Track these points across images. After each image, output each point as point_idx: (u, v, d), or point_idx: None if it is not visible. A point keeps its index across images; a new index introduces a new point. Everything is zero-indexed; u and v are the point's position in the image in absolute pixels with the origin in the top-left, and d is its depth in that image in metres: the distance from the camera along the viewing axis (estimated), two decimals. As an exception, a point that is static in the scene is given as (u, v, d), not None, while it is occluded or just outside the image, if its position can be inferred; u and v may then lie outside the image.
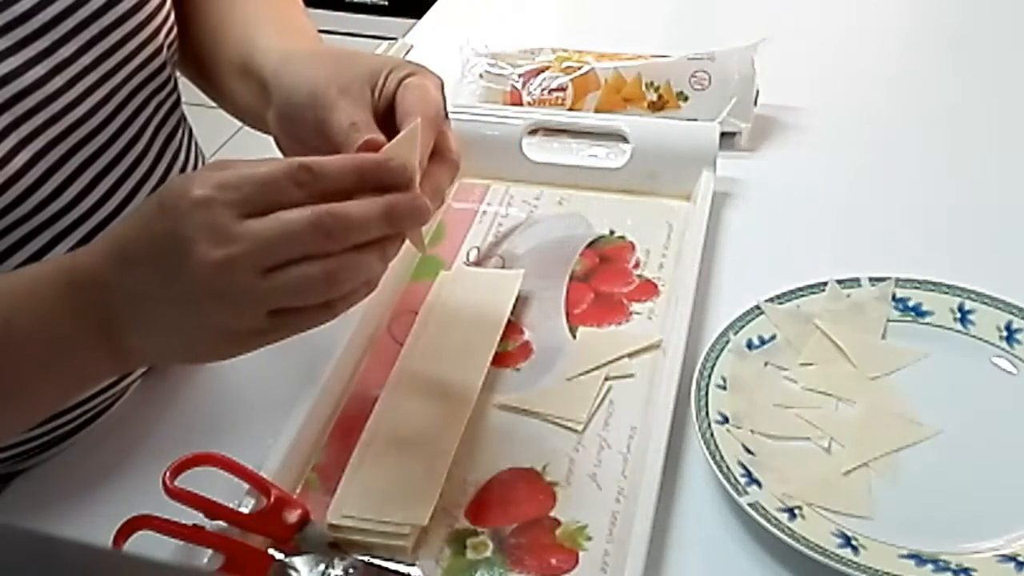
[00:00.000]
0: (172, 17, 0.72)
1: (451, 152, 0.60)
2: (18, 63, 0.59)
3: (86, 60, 0.63)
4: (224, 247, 0.50)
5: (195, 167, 0.77)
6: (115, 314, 0.53)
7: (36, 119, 0.61)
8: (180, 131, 0.75)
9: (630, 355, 0.71)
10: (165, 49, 0.70)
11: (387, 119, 0.59)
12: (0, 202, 0.60)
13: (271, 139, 0.68)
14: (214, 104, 0.78)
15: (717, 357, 0.68)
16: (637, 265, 0.79)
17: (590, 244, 0.82)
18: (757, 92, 0.92)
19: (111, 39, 0.65)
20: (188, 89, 0.78)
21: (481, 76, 0.96)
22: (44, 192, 0.62)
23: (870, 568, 0.56)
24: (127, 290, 0.53)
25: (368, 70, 0.61)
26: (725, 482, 0.60)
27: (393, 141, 0.56)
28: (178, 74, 0.76)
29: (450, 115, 0.61)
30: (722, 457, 0.62)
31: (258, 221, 0.50)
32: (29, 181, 0.61)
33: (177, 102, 0.74)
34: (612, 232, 0.83)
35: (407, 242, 0.57)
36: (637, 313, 0.75)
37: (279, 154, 0.67)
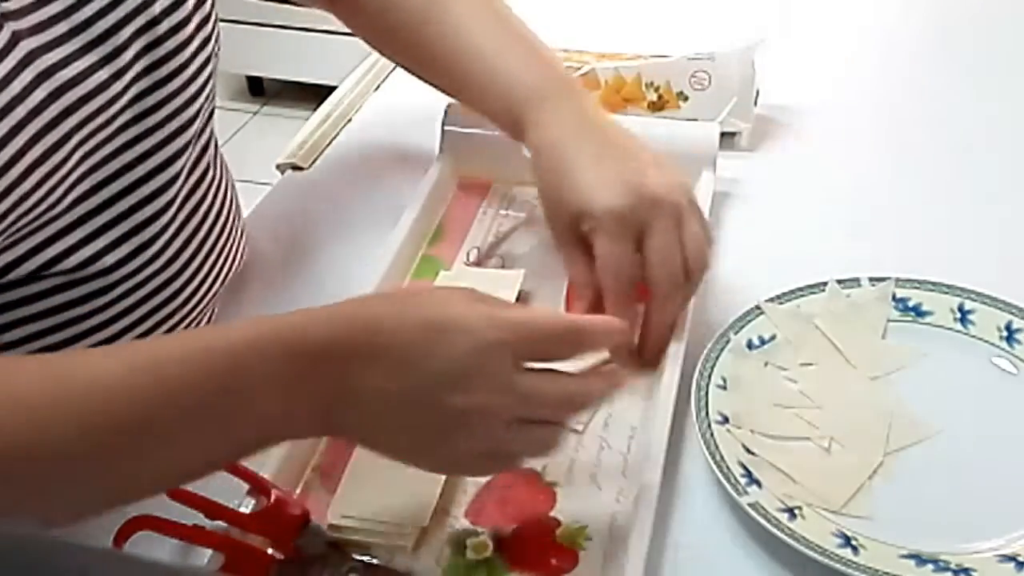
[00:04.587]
0: (218, 28, 0.71)
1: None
2: (83, 67, 0.59)
3: (138, 67, 0.63)
4: (499, 396, 0.53)
5: (221, 178, 0.76)
6: (343, 399, 0.52)
7: (95, 122, 0.60)
8: (212, 141, 0.75)
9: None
10: (213, 57, 0.70)
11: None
12: (57, 204, 0.60)
13: (270, 137, 0.68)
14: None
15: (717, 357, 0.68)
16: (637, 265, 0.79)
17: (590, 244, 0.82)
18: (757, 92, 0.92)
19: (166, 47, 0.65)
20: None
21: (481, 76, 0.96)
22: (83, 188, 0.62)
23: (870, 568, 0.56)
24: (369, 384, 0.52)
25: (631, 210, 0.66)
26: (725, 482, 0.60)
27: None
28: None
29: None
30: (722, 457, 0.62)
31: (532, 378, 0.54)
32: (80, 183, 0.61)
33: (213, 110, 0.74)
34: (612, 232, 0.83)
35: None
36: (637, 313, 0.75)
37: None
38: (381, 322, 0.53)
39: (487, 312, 0.54)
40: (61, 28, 0.58)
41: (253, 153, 0.85)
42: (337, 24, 0.83)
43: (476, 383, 0.52)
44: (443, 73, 0.79)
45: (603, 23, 1.14)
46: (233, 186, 0.80)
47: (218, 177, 0.76)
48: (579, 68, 0.94)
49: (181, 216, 0.69)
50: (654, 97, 0.93)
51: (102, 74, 0.60)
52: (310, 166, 0.94)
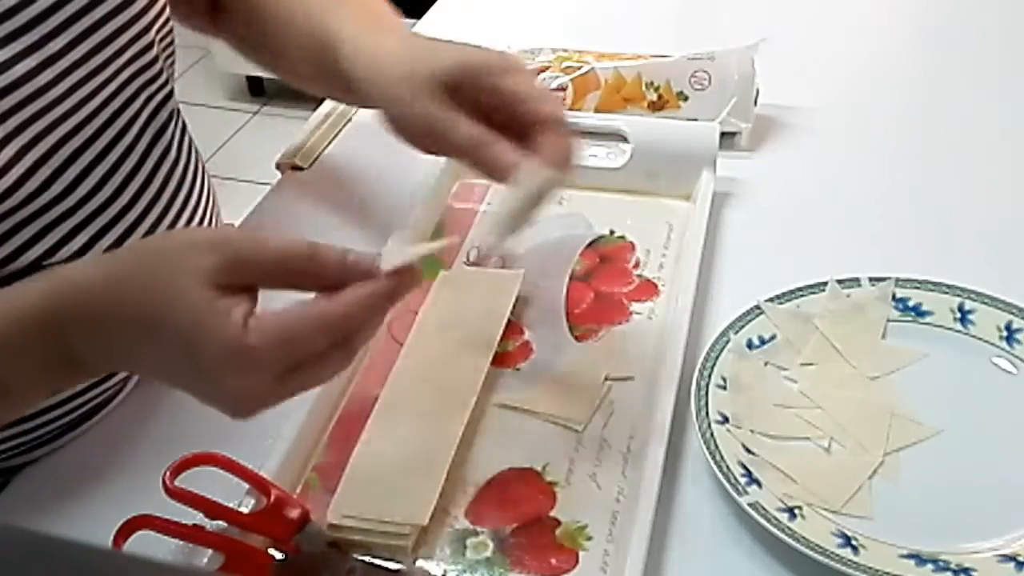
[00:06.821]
0: (166, 12, 0.72)
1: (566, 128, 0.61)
2: (7, 56, 0.60)
3: (76, 54, 0.64)
4: (257, 386, 0.51)
5: (187, 163, 0.77)
6: (110, 361, 0.57)
7: (25, 111, 0.61)
8: (172, 125, 0.75)
9: (630, 355, 0.71)
10: (156, 44, 0.71)
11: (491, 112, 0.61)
12: (7, 197, 0.60)
13: (270, 138, 0.68)
14: (215, 104, 0.78)
15: (717, 357, 0.68)
16: (637, 265, 0.79)
17: (590, 244, 0.82)
18: (757, 92, 0.92)
19: (101, 33, 0.65)
20: (190, 89, 0.78)
21: (481, 76, 0.96)
22: (33, 184, 0.62)
23: (870, 568, 0.56)
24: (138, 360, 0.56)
25: (448, 71, 0.62)
26: (725, 482, 0.60)
27: (425, 247, 0.56)
28: (173, 70, 0.76)
29: None
30: (722, 457, 0.62)
31: (258, 335, 0.50)
32: (18, 173, 0.61)
33: (169, 96, 0.74)
34: (612, 232, 0.83)
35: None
36: (637, 313, 0.75)
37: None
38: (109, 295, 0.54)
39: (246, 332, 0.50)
40: None
41: (253, 153, 0.85)
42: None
43: (240, 395, 0.52)
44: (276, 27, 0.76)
45: (603, 23, 1.14)
46: (204, 168, 0.80)
47: (184, 159, 0.76)
48: (579, 68, 0.94)
49: (142, 202, 0.70)
50: (654, 97, 0.93)
51: (29, 63, 0.61)
52: (310, 166, 0.94)
